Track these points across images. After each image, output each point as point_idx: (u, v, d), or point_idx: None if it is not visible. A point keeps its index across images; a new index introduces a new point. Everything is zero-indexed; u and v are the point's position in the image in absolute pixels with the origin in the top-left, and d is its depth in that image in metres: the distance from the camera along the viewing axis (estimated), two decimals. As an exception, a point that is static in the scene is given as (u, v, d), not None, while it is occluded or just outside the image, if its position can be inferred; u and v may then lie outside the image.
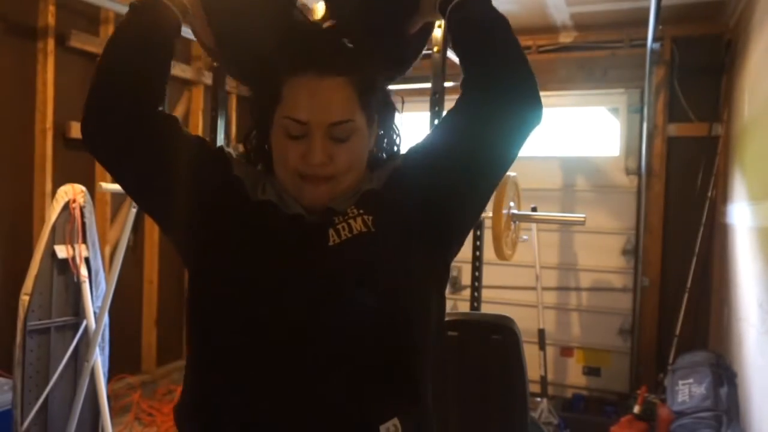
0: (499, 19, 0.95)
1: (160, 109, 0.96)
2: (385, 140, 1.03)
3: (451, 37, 0.98)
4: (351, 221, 0.91)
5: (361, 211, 0.92)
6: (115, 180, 1.00)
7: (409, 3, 1.05)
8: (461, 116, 0.94)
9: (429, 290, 0.95)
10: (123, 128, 0.93)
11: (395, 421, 0.86)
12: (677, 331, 3.46)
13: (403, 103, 1.05)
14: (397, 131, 1.05)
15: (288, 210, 0.94)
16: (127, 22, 0.98)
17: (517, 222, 3.03)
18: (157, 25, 0.97)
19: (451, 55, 2.44)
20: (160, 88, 0.97)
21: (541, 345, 3.51)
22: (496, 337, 1.49)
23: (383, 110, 1.00)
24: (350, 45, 0.96)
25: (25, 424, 2.35)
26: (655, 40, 3.38)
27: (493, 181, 0.97)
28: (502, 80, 0.92)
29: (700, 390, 2.91)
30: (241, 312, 0.89)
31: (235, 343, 0.89)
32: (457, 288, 4.05)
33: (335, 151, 0.90)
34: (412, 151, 0.99)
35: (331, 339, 0.86)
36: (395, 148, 1.04)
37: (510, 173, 2.93)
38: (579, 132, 4.17)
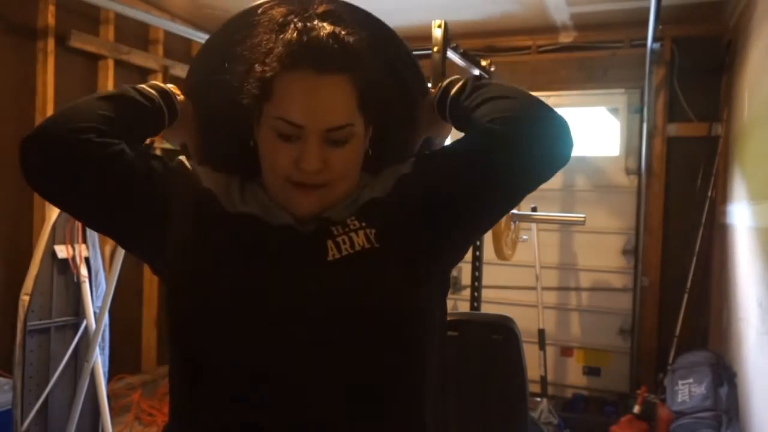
0: (506, 90, 0.89)
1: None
2: (383, 140, 0.93)
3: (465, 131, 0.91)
4: (352, 235, 0.83)
5: (363, 224, 0.85)
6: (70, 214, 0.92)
7: (405, 131, 0.98)
8: (487, 155, 0.85)
9: (432, 305, 0.88)
10: (66, 163, 0.85)
11: None
12: (677, 331, 3.45)
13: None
14: (399, 129, 0.97)
15: (275, 221, 0.86)
16: (113, 104, 0.86)
17: (517, 222, 3.03)
18: (143, 121, 0.89)
19: (451, 55, 2.43)
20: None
21: (541, 345, 3.51)
22: (496, 337, 1.49)
23: (381, 107, 0.90)
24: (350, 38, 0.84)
25: (25, 424, 2.35)
26: (655, 40, 3.38)
27: (510, 207, 0.95)
28: (531, 143, 0.85)
29: (700, 390, 2.91)
30: (232, 332, 0.80)
31: (224, 366, 0.80)
32: (457, 288, 4.05)
33: (331, 155, 0.82)
34: (425, 160, 0.92)
35: (329, 359, 0.79)
36: (398, 150, 0.97)
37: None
38: (579, 132, 4.16)
